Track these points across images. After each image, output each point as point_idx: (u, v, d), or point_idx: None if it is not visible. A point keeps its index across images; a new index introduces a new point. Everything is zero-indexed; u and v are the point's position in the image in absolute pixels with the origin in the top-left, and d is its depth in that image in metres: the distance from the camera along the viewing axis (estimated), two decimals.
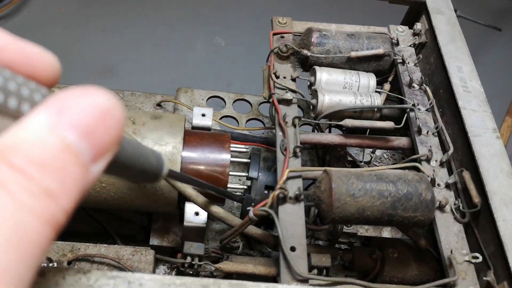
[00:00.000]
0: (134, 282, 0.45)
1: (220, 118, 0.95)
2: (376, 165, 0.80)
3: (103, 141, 0.23)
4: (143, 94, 0.99)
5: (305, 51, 0.69)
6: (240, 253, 0.69)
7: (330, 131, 0.77)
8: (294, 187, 0.58)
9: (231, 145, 0.69)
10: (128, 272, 0.45)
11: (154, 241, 0.73)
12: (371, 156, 0.77)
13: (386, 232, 0.73)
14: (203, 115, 0.76)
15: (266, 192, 0.63)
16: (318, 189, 0.57)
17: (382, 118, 0.69)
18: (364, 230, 0.71)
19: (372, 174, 0.56)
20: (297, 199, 0.58)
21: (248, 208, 0.57)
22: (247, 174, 0.71)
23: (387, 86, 0.73)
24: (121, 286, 0.44)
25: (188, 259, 0.58)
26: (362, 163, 0.76)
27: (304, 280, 0.52)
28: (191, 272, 0.59)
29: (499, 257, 0.54)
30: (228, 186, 0.67)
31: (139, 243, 0.77)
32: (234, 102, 0.99)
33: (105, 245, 0.69)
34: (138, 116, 0.68)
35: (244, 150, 0.71)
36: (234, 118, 0.97)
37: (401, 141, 0.68)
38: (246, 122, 0.97)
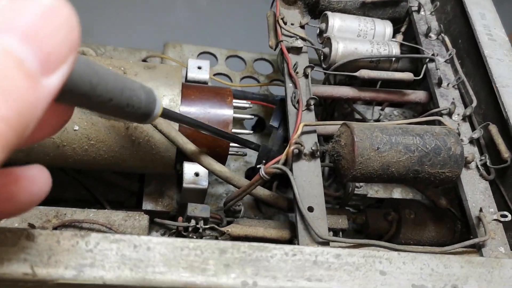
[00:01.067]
0: (140, 246, 0.39)
1: (213, 75, 0.88)
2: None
3: (51, 46, 0.20)
4: (126, 50, 0.91)
5: None
6: (242, 217, 0.64)
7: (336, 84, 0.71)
8: (309, 143, 0.53)
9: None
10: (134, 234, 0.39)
11: (147, 205, 0.67)
12: (379, 113, 0.72)
13: (397, 194, 0.68)
14: (199, 67, 0.69)
15: (285, 145, 0.57)
16: (337, 144, 0.51)
17: (396, 71, 0.64)
18: (374, 192, 0.67)
19: (396, 127, 0.51)
20: (312, 155, 0.52)
21: (258, 166, 0.52)
22: (250, 132, 0.65)
23: (399, 36, 0.67)
24: (126, 250, 0.38)
25: (192, 222, 0.53)
26: (372, 121, 0.71)
27: (325, 243, 0.47)
28: (195, 237, 0.53)
29: None
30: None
31: (129, 210, 0.71)
32: (226, 58, 0.92)
33: (93, 210, 0.62)
34: (129, 66, 0.61)
35: (247, 106, 0.64)
36: (227, 75, 0.90)
37: (418, 95, 0.63)
38: (240, 80, 0.90)
